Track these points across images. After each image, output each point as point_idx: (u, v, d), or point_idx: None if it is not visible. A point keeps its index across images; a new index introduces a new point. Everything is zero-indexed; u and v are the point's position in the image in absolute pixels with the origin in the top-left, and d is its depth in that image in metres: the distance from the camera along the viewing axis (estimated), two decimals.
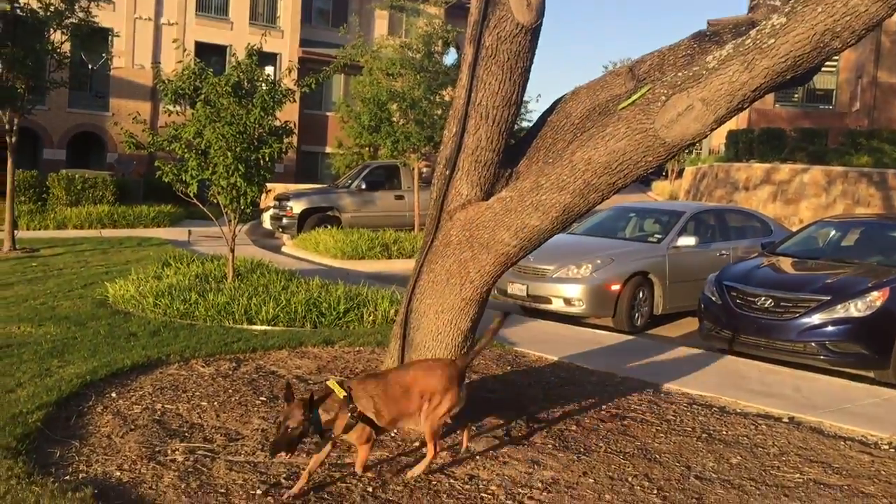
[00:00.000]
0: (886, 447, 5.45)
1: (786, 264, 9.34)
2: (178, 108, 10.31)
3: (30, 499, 3.95)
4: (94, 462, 4.60)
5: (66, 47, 14.99)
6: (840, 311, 7.87)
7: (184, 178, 9.84)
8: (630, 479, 4.67)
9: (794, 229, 12.05)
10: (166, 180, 9.97)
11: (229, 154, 9.47)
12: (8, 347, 7.05)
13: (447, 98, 18.98)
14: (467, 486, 4.46)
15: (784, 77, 4.28)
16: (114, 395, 5.80)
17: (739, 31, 5.01)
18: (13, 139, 14.42)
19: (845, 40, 4.11)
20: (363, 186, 19.96)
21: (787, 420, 5.97)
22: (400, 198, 20.24)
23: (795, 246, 9.91)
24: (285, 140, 10.22)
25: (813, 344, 7.89)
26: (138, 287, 9.47)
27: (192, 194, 9.96)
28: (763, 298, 8.32)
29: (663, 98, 4.50)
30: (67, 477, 4.36)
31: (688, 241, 10.78)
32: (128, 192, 23.20)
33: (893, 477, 4.89)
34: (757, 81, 4.26)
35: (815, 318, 7.90)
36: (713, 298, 8.80)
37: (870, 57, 28.74)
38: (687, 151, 28.91)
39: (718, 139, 31.86)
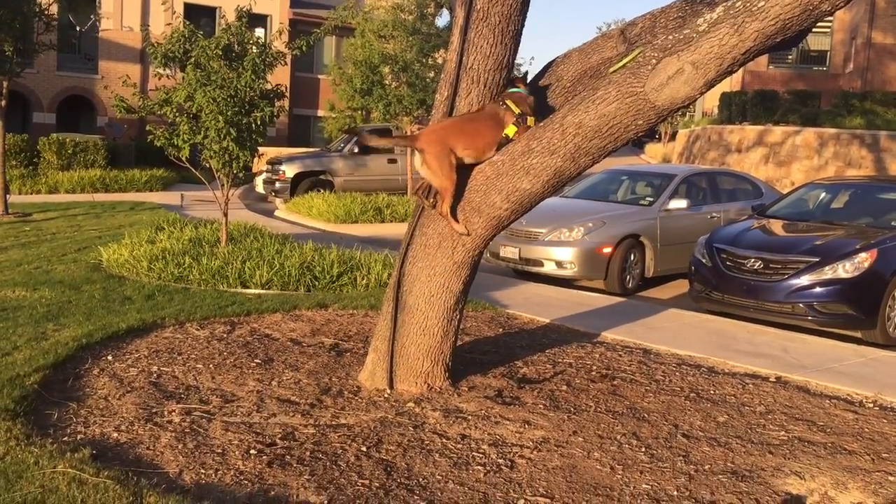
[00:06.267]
0: (870, 405, 5.56)
1: (776, 226, 9.41)
2: (167, 71, 10.24)
3: (29, 459, 4.01)
4: (92, 423, 4.67)
5: (54, 9, 14.83)
6: (828, 273, 7.95)
7: (175, 143, 9.82)
8: (619, 437, 4.76)
9: (786, 191, 12.09)
10: (158, 144, 9.95)
11: (221, 118, 9.45)
12: (3, 311, 7.09)
13: (440, 60, 18.88)
14: (459, 446, 4.55)
15: (774, 40, 4.29)
16: (110, 357, 5.86)
17: None
18: (2, 102, 14.33)
19: (834, 2, 4.12)
20: (356, 150, 19.92)
21: (773, 379, 6.08)
22: (393, 161, 20.22)
23: (786, 208, 9.97)
24: (277, 104, 10.19)
25: (801, 305, 7.98)
26: (132, 251, 9.50)
27: (184, 158, 9.93)
28: (752, 260, 8.39)
29: (654, 61, 4.52)
30: (66, 438, 4.43)
31: (679, 203, 10.83)
32: (119, 155, 23.14)
33: (876, 434, 4.99)
34: (747, 44, 4.27)
35: (804, 280, 7.99)
36: (703, 260, 8.87)
37: (864, 17, 28.60)
38: (680, 114, 28.87)
39: (712, 101, 31.78)
